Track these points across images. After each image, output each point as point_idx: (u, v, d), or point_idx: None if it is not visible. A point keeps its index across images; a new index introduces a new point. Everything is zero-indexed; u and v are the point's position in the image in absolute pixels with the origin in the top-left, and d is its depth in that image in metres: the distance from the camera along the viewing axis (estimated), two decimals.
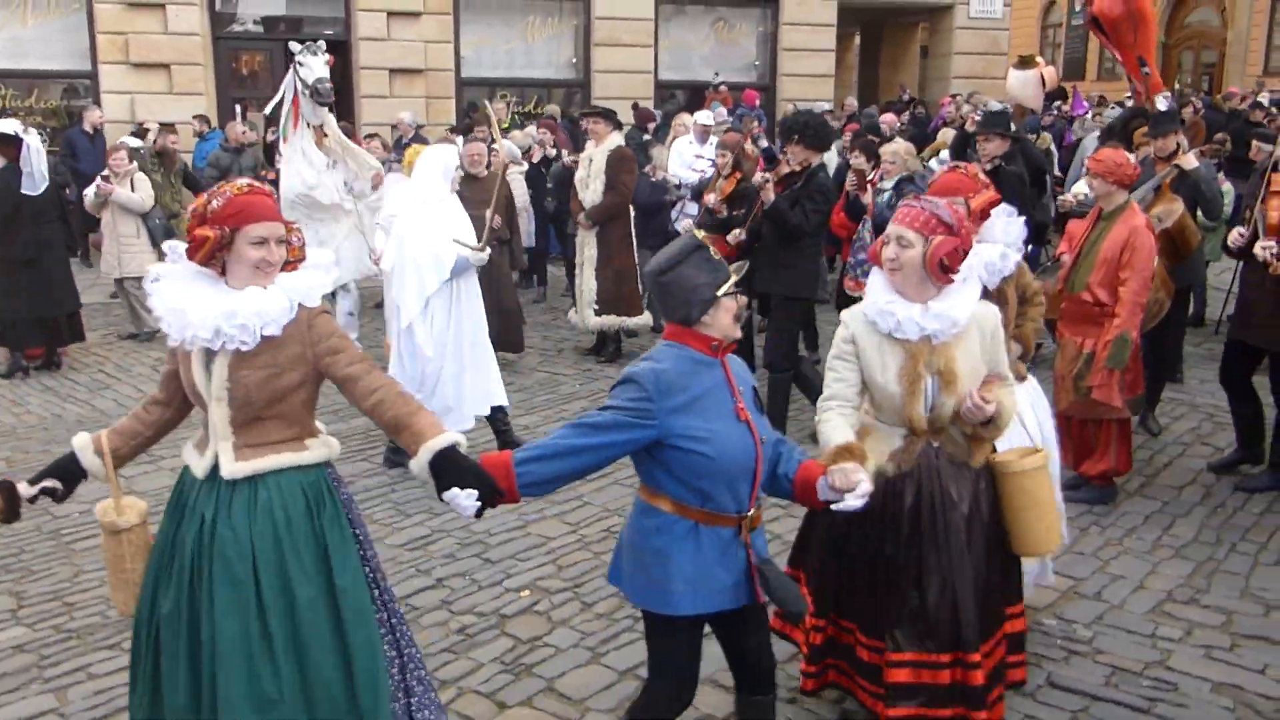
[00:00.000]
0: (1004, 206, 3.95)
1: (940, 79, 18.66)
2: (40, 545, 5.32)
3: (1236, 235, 5.46)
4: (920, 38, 20.38)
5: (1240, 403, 5.98)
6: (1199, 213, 6.64)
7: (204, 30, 14.76)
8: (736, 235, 7.17)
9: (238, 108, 15.07)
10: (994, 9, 18.21)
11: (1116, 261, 5.27)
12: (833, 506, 2.88)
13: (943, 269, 3.19)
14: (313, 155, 8.43)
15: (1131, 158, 5.65)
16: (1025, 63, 11.65)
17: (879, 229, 8.21)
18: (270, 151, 12.21)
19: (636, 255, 8.63)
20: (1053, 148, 12.11)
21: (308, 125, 8.39)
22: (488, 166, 8.09)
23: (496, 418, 6.38)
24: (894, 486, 3.32)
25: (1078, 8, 28.09)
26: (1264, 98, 15.53)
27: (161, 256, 9.96)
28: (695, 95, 16.39)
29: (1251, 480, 5.88)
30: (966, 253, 3.27)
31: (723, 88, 15.65)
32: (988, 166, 6.87)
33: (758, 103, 15.48)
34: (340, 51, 15.69)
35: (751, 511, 2.90)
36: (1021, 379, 4.19)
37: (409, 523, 5.57)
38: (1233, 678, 4.01)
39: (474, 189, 7.52)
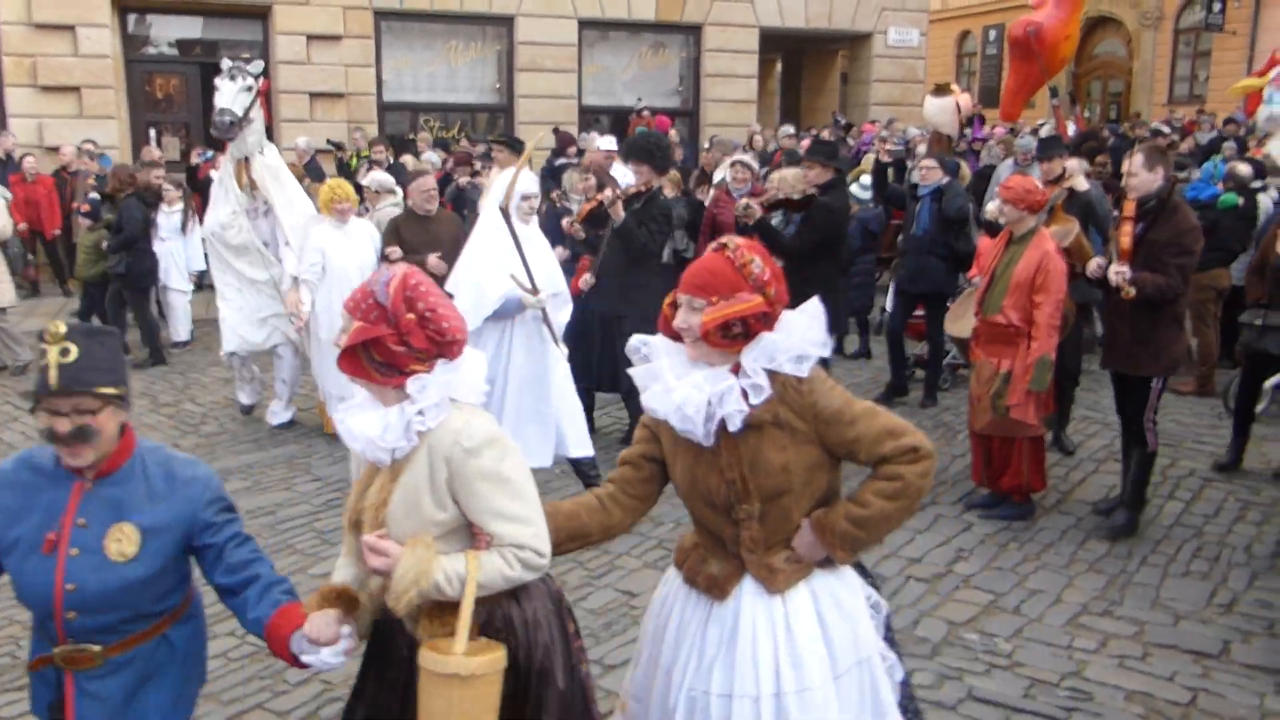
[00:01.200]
0: (810, 304, 2.62)
1: (860, 105, 19.05)
2: None
3: (1095, 265, 5.44)
4: (840, 65, 20.79)
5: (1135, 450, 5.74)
6: (1092, 230, 6.89)
7: (115, 53, 14.45)
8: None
9: (152, 132, 14.80)
10: (910, 38, 18.67)
11: (1030, 285, 5.47)
12: (305, 660, 2.40)
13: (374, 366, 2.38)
14: (231, 190, 7.35)
15: (1038, 183, 5.86)
16: (941, 90, 11.98)
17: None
18: (193, 175, 11.99)
19: None
20: (967, 172, 12.41)
21: (231, 157, 7.38)
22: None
23: (580, 467, 6.02)
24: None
25: (991, 37, 28.94)
26: (1162, 125, 16.14)
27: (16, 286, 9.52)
28: (619, 120, 16.51)
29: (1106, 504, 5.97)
30: (400, 344, 2.35)
31: (645, 113, 15.78)
32: (797, 196, 7.01)
33: (671, 130, 15.66)
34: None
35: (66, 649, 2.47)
36: None
37: (331, 552, 5.48)
38: (1145, 686, 4.13)
39: (420, 230, 7.09)
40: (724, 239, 2.58)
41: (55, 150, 13.07)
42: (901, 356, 8.22)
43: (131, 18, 14.94)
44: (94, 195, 10.55)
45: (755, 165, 9.07)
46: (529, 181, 5.61)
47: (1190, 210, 5.46)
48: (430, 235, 7.02)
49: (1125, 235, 5.25)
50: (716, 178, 10.76)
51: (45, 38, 13.91)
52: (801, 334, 2.50)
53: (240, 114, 7.04)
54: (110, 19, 14.20)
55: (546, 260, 5.73)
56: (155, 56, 15.37)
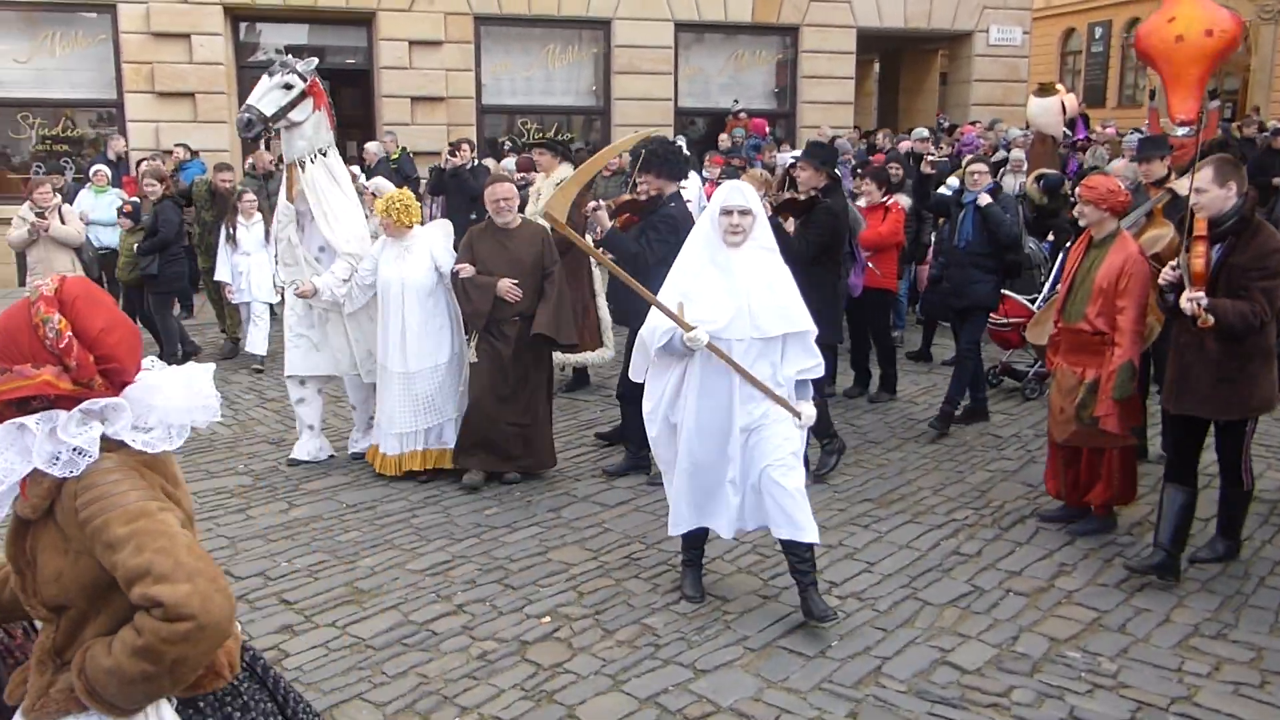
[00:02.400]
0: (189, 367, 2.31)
1: (960, 106, 18.68)
2: None
3: (1169, 272, 4.87)
4: (939, 65, 20.42)
5: (1179, 491, 5.07)
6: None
7: (228, 59, 14.94)
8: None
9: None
10: (1014, 36, 18.23)
11: (1113, 290, 5.28)
12: None
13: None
14: (281, 200, 6.76)
15: (1123, 184, 5.62)
16: (1045, 90, 11.68)
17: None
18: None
19: (597, 287, 8.32)
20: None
21: (285, 163, 6.67)
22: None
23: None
24: None
25: (1097, 35, 28.12)
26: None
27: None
28: (715, 122, 16.47)
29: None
30: None
31: (742, 114, 15.71)
32: (802, 196, 6.79)
33: (767, 132, 15.54)
34: (363, 80, 15.91)
35: None
36: None
37: (430, 548, 5.58)
38: (1263, 715, 3.95)
39: (497, 246, 6.48)
40: (39, 285, 2.09)
41: (169, 154, 13.56)
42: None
43: (243, 26, 15.42)
44: (135, 198, 10.58)
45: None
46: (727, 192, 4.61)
47: (1273, 229, 4.91)
48: (508, 253, 6.36)
49: (1198, 257, 4.71)
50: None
51: (162, 46, 14.46)
52: (175, 398, 2.09)
53: (268, 114, 6.26)
54: (223, 27, 14.70)
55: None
56: (265, 62, 15.80)
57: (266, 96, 6.34)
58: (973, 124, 16.40)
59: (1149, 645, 4.47)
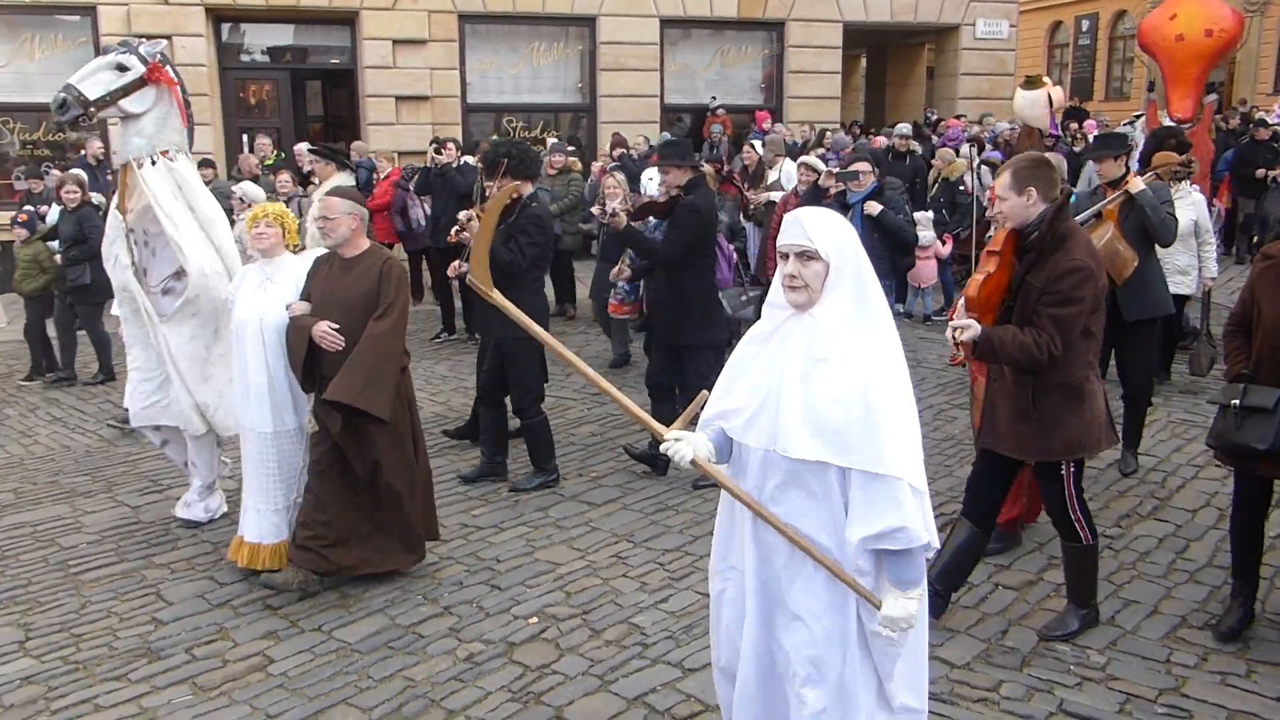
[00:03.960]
0: None
1: (947, 100, 18.69)
2: (48, 577, 5.31)
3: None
4: (926, 59, 20.44)
5: (965, 528, 4.56)
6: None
7: (210, 61, 14.86)
8: (455, 268, 6.51)
9: (244, 137, 15.18)
10: (1000, 30, 18.25)
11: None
12: None
13: None
14: (111, 212, 5.85)
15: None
16: (1032, 83, 11.68)
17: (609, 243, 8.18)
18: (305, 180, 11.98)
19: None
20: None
21: (115, 164, 5.87)
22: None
23: None
24: None
25: (1084, 28, 28.19)
26: (1270, 116, 15.52)
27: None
28: (701, 118, 16.45)
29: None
30: None
31: (720, 111, 15.68)
32: (662, 199, 6.69)
33: (766, 125, 15.50)
34: (347, 80, 15.85)
35: None
36: None
37: (479, 537, 5.56)
38: (1248, 705, 3.95)
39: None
40: None
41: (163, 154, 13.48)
42: None
43: (225, 27, 15.34)
44: (30, 207, 10.15)
45: (821, 166, 8.89)
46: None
47: (1083, 243, 4.15)
48: (342, 289, 4.93)
49: (976, 276, 4.21)
50: (770, 178, 10.64)
51: None
52: None
53: (91, 97, 5.26)
54: (205, 28, 14.62)
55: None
56: (248, 64, 15.76)
57: (92, 76, 5.31)
58: (958, 118, 16.42)
59: (1137, 637, 4.47)
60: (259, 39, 15.70)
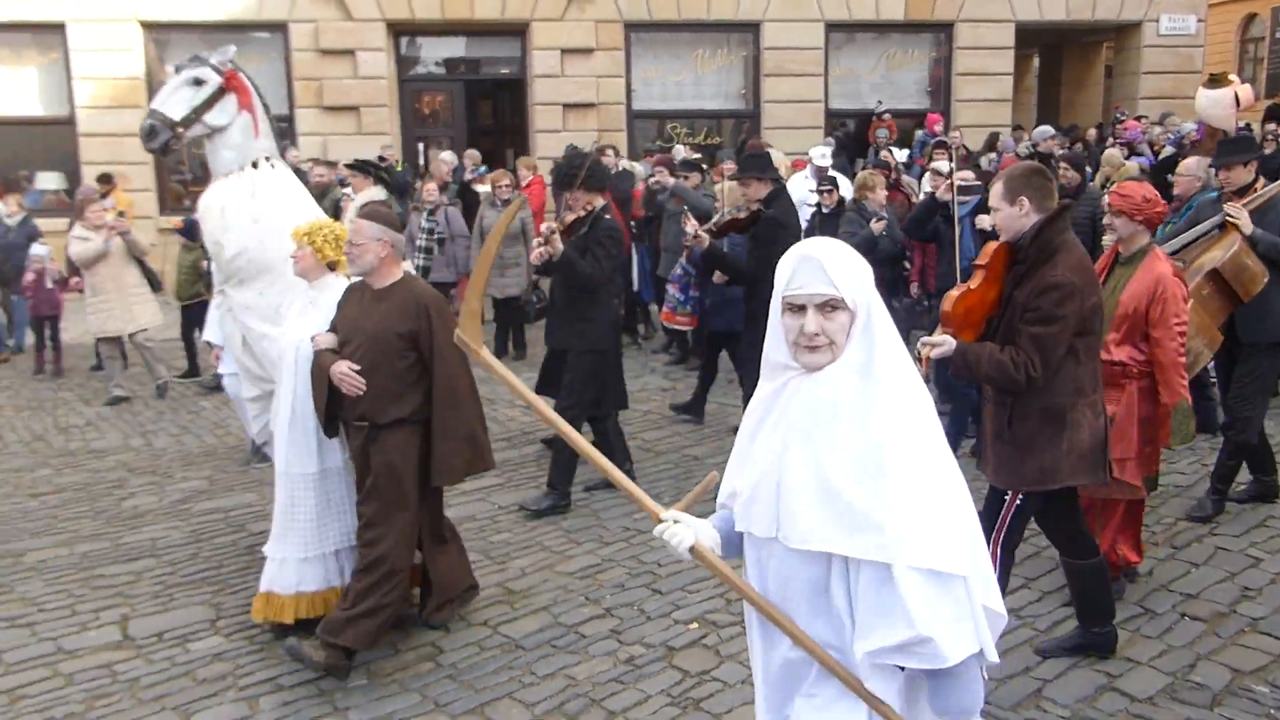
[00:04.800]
0: None
1: (1127, 100, 17.82)
2: (237, 560, 5.64)
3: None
4: (1105, 57, 19.54)
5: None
6: None
7: (390, 73, 15.51)
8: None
9: (420, 146, 15.77)
10: (1187, 25, 17.28)
11: (1140, 317, 4.52)
12: None
13: None
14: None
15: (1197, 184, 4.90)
16: (1216, 81, 11.01)
17: (696, 267, 7.93)
18: (466, 189, 12.37)
19: None
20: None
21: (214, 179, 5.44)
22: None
23: None
24: None
25: None
26: None
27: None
28: (865, 124, 16.18)
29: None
30: None
31: (886, 115, 15.37)
32: (743, 214, 6.47)
33: (938, 129, 15.10)
34: (517, 89, 16.28)
35: None
36: None
37: (579, 551, 5.64)
38: None
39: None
40: None
41: (333, 165, 14.16)
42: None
43: (404, 40, 15.99)
44: (194, 216, 10.70)
45: (944, 171, 8.52)
46: None
47: (1075, 258, 3.87)
48: (371, 322, 4.40)
49: (953, 291, 4.07)
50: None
51: (330, 62, 15.13)
52: None
53: (175, 118, 5.11)
54: (385, 42, 15.27)
55: None
56: (424, 75, 16.37)
57: (172, 97, 5.16)
58: (1138, 119, 15.64)
59: None
60: (434, 51, 16.30)
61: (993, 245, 4.08)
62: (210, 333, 6.20)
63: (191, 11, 14.77)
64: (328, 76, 15.16)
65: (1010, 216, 3.95)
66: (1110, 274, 4.71)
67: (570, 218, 6.25)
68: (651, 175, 10.41)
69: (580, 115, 15.68)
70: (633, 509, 6.21)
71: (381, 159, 13.70)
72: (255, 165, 5.20)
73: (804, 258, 2.15)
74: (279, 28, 15.14)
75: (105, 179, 12.66)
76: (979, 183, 6.99)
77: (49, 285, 9.93)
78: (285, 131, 15.46)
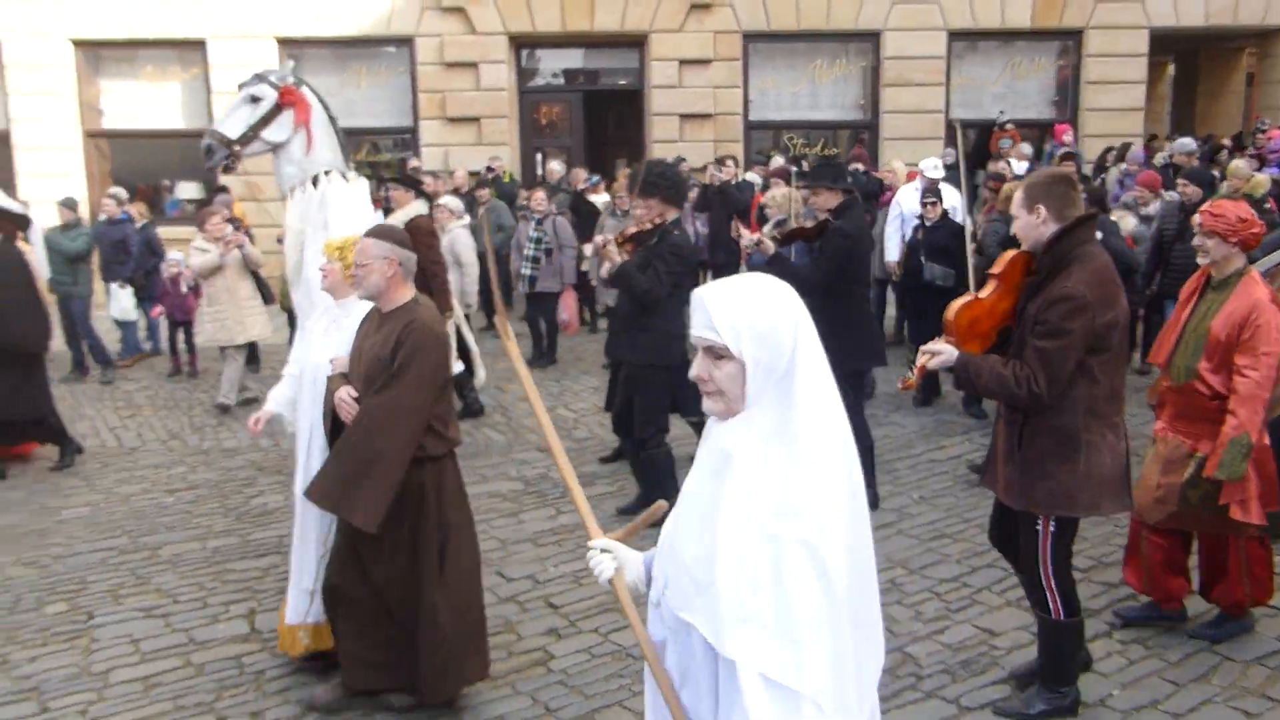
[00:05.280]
0: None
1: (1270, 109, 16.99)
2: None
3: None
4: (1246, 64, 18.70)
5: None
6: None
7: (510, 85, 15.82)
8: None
9: (539, 156, 16.04)
10: None
11: (1233, 343, 4.27)
12: None
13: None
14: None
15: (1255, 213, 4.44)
16: None
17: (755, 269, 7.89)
18: (580, 199, 12.53)
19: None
20: None
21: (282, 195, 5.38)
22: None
23: None
24: None
25: None
26: None
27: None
28: (986, 133, 15.82)
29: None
30: None
31: (1009, 125, 14.99)
32: (809, 223, 6.23)
33: (1067, 138, 14.64)
34: (634, 99, 16.41)
35: None
36: None
37: None
38: None
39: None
40: None
41: (452, 174, 14.52)
42: None
43: (524, 52, 16.29)
44: None
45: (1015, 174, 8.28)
46: None
47: (1091, 270, 3.69)
48: (372, 345, 4.08)
49: (956, 301, 3.98)
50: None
51: (453, 75, 15.51)
52: None
53: (232, 136, 5.11)
54: (507, 55, 15.59)
55: None
56: (543, 86, 16.64)
57: (230, 116, 5.18)
58: None
59: None
60: (553, 63, 16.55)
61: (1009, 254, 3.96)
62: None
63: (324, 28, 15.33)
64: (451, 89, 15.54)
65: (1028, 225, 3.82)
66: (1201, 298, 4.50)
67: (633, 229, 6.21)
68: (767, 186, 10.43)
69: (697, 126, 15.72)
70: None
71: (490, 169, 14.08)
72: (315, 181, 5.06)
73: (698, 296, 1.97)
74: (405, 42, 15.58)
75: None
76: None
77: (184, 290, 10.40)
78: (408, 143, 15.94)
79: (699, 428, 6.56)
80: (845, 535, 1.86)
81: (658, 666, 2.04)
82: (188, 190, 16.17)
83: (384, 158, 16.07)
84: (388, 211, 8.04)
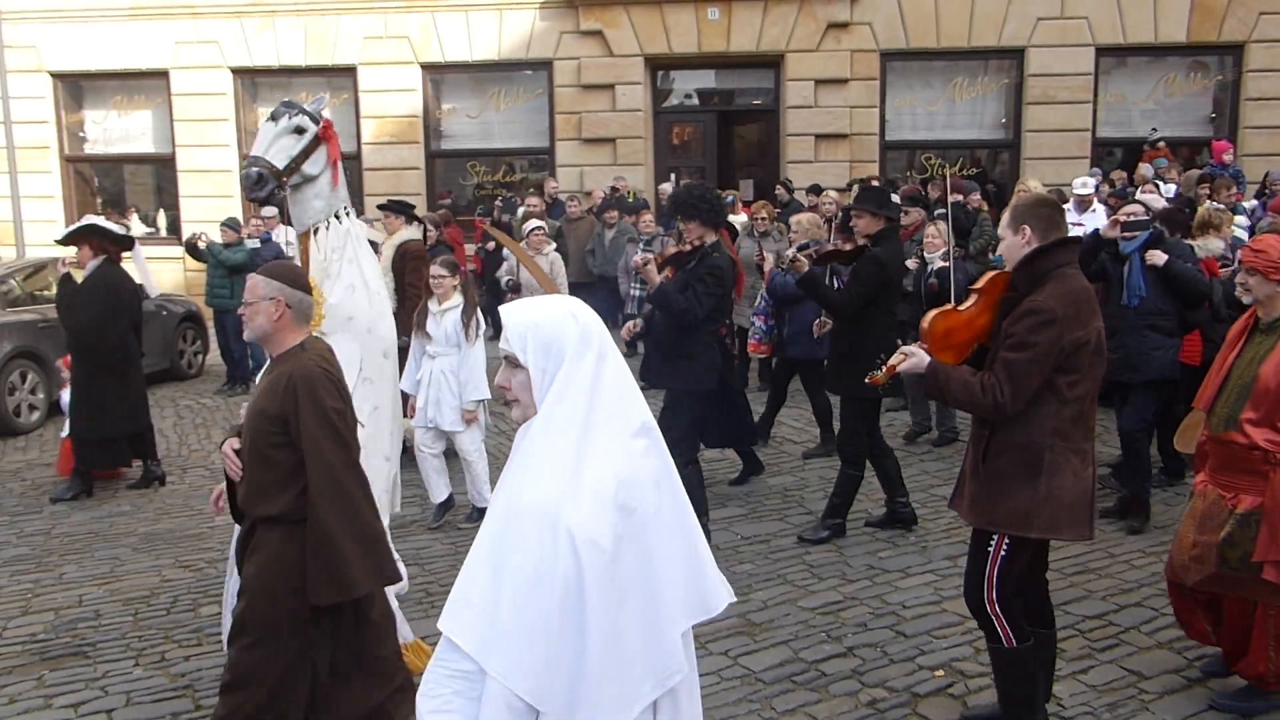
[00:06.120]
0: None
1: None
2: None
3: None
4: None
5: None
6: None
7: (646, 106, 15.99)
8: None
9: (672, 176, 16.16)
10: None
11: None
12: None
13: None
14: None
15: None
16: None
17: (772, 296, 8.13)
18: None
19: None
20: None
21: (297, 232, 5.25)
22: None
23: None
24: None
25: None
26: None
27: None
28: (1134, 153, 15.22)
29: None
30: None
31: (1161, 144, 14.37)
32: (848, 246, 6.19)
33: (1227, 158, 13.94)
34: (769, 119, 16.38)
35: None
36: None
37: (822, 587, 5.58)
38: None
39: None
40: None
41: (588, 194, 14.74)
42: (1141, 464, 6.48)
43: (660, 73, 16.45)
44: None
45: (1153, 206, 7.68)
46: None
47: (1065, 289, 3.63)
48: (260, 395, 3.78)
49: (932, 310, 3.94)
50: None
51: (590, 97, 15.77)
52: None
53: (280, 166, 4.98)
54: (643, 76, 15.77)
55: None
56: (676, 107, 16.77)
57: (275, 144, 5.03)
58: None
59: None
60: (687, 84, 16.67)
61: (993, 272, 3.97)
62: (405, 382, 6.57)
63: (467, 53, 15.80)
64: (587, 110, 15.80)
65: (1013, 245, 3.79)
66: (1249, 342, 4.19)
67: (672, 250, 6.29)
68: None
69: (832, 146, 15.59)
70: (878, 547, 6.09)
71: (614, 189, 14.22)
72: (338, 217, 5.04)
73: (506, 315, 2.24)
74: (544, 65, 15.92)
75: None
76: (1146, 217, 6.61)
77: None
78: (545, 163, 16.26)
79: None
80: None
81: None
82: None
83: (521, 178, 16.43)
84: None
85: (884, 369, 3.90)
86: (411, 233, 8.29)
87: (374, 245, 9.85)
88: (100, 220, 8.32)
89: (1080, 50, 15.24)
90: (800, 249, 6.60)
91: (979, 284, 3.94)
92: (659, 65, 16.15)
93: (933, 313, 3.92)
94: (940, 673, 4.59)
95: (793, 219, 8.45)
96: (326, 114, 5.19)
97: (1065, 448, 3.66)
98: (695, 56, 15.78)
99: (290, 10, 15.80)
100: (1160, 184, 11.89)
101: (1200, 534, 4.13)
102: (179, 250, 12.14)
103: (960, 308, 3.91)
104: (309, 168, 5.06)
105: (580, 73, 15.70)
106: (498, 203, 14.36)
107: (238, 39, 15.96)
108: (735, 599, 2.40)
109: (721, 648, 4.91)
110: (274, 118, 5.06)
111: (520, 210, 12.43)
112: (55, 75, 16.39)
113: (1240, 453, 4.04)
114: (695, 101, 16.81)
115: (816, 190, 13.21)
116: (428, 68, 16.03)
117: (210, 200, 15.93)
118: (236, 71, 16.20)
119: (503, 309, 2.27)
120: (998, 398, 3.60)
